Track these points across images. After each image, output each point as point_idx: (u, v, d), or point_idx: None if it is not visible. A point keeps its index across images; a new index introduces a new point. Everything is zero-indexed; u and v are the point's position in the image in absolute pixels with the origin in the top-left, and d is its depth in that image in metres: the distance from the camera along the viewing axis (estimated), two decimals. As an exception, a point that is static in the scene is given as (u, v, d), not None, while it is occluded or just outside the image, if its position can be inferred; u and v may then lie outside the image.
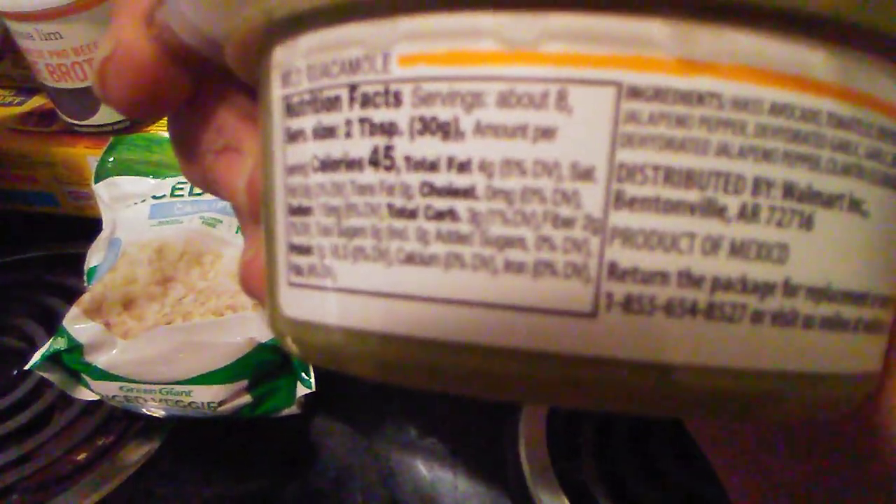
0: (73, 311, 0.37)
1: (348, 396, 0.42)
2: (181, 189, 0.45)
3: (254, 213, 0.14)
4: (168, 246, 0.41)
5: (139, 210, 0.44)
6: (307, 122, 0.11)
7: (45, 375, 0.37)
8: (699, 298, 0.09)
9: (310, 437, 0.41)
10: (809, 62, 0.09)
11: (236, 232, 0.43)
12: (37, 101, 0.56)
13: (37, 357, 0.36)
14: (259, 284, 0.14)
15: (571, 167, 0.09)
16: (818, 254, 0.10)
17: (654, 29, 0.09)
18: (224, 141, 0.14)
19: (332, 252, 0.11)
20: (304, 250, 0.11)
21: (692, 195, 0.09)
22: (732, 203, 0.09)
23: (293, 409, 0.38)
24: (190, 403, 0.36)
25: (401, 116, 0.10)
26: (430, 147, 0.10)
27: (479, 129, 0.10)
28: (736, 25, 0.09)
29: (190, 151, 0.15)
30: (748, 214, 0.09)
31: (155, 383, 0.36)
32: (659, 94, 0.09)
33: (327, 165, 0.11)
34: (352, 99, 0.10)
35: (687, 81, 0.09)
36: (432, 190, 0.10)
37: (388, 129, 0.10)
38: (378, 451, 0.40)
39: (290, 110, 0.11)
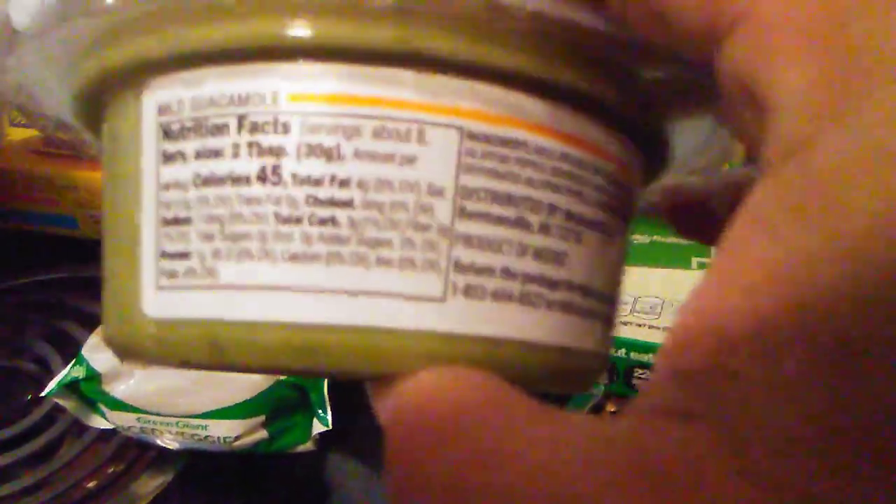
0: (93, 339, 0.37)
1: (364, 435, 0.42)
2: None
3: None
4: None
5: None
6: (189, 145, 0.13)
7: (61, 402, 0.37)
8: (514, 288, 0.13)
9: (324, 475, 0.40)
10: (523, 107, 0.13)
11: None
12: (61, 124, 0.56)
13: (53, 384, 0.36)
14: None
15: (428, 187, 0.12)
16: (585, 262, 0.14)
17: (403, 76, 0.12)
18: None
19: (213, 255, 0.12)
20: (181, 255, 0.13)
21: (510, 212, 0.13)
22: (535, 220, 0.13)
23: (308, 446, 0.38)
24: (206, 437, 0.36)
25: (289, 142, 0.12)
26: (315, 167, 0.12)
27: (358, 154, 0.12)
28: (467, 78, 0.12)
29: None
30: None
31: (172, 416, 0.36)
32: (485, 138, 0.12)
33: (210, 181, 0.12)
34: (240, 126, 0.12)
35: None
36: (317, 201, 0.12)
37: (277, 152, 0.12)
38: (392, 491, 0.39)
39: (168, 135, 0.13)
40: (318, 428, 0.37)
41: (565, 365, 0.14)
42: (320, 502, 0.39)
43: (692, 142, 0.17)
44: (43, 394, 0.36)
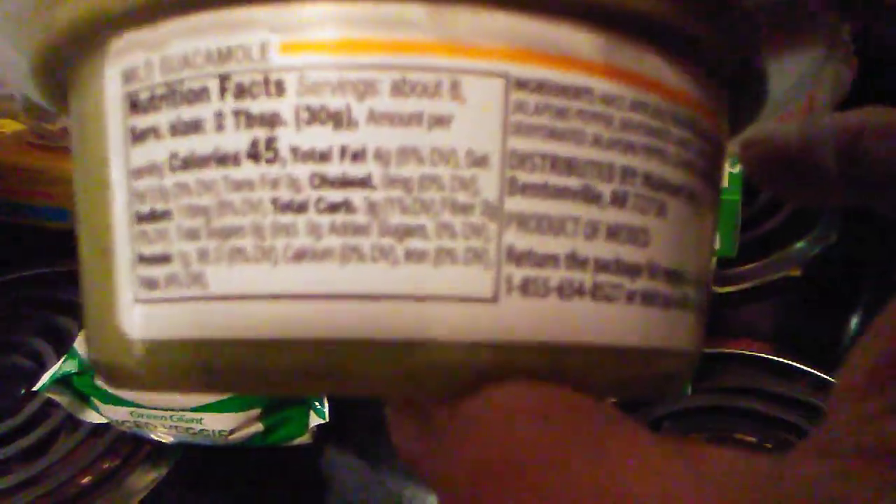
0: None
1: (361, 427, 0.41)
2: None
3: None
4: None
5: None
6: (161, 117, 0.10)
7: (54, 397, 0.36)
8: (585, 280, 0.10)
9: (321, 468, 0.40)
10: (584, 43, 0.10)
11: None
12: (54, 116, 0.56)
13: (46, 378, 0.36)
14: None
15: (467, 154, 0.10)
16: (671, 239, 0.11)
17: (413, 12, 0.09)
18: None
19: (199, 257, 0.10)
20: (161, 259, 0.10)
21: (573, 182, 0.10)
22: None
23: (305, 439, 0.37)
24: (200, 431, 0.36)
25: (285, 106, 0.10)
26: (319, 137, 0.09)
27: (374, 117, 0.09)
28: (489, 6, 0.10)
29: None
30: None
31: (165, 409, 0.35)
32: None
33: (191, 163, 0.10)
34: (223, 90, 0.10)
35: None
36: (324, 181, 0.09)
37: (270, 120, 0.10)
38: (389, 483, 0.39)
39: (137, 107, 0.10)
40: (314, 420, 0.37)
41: (650, 370, 0.11)
42: (317, 495, 0.38)
43: (787, 80, 0.14)
44: (35, 388, 0.36)
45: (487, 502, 0.09)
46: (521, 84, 0.10)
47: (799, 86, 0.14)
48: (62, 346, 0.43)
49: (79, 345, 0.36)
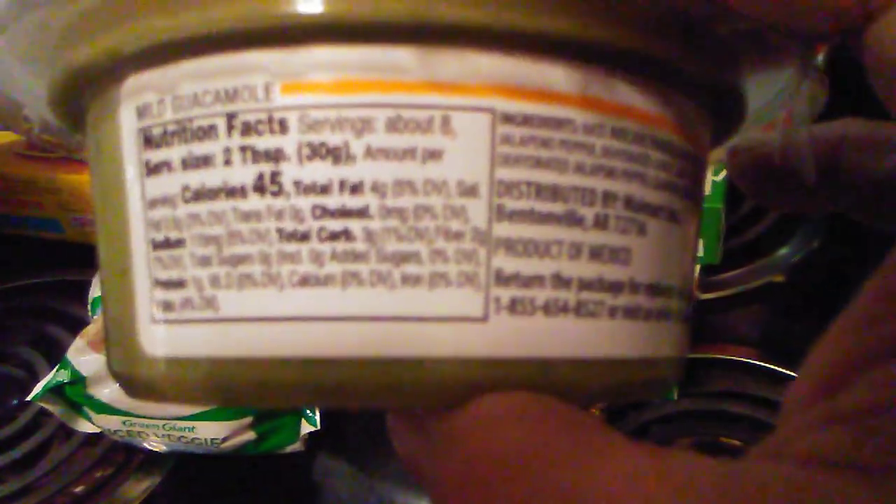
0: (78, 342, 0.36)
1: (353, 434, 0.42)
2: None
3: None
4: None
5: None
6: (174, 153, 0.11)
7: (47, 407, 0.37)
8: (569, 298, 0.11)
9: (313, 475, 0.40)
10: (567, 77, 0.11)
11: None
12: (44, 127, 0.56)
13: (38, 388, 0.36)
14: None
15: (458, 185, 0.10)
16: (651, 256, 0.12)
17: (402, 56, 0.10)
18: None
19: (211, 282, 0.11)
20: (176, 284, 0.11)
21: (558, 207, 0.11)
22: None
23: (297, 447, 0.37)
24: (193, 439, 0.36)
25: (287, 143, 0.10)
26: (320, 171, 0.10)
27: (370, 153, 0.10)
28: (473, 48, 0.10)
29: None
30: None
31: (158, 418, 0.35)
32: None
33: (202, 195, 0.11)
34: (230, 127, 0.11)
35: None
36: (325, 212, 0.10)
37: (274, 156, 0.10)
38: (381, 490, 0.39)
39: (150, 142, 0.11)
40: (306, 428, 0.37)
41: (635, 379, 0.12)
42: (309, 502, 0.39)
43: (767, 93, 0.14)
44: (28, 398, 0.36)
45: None
46: (508, 118, 0.10)
47: (778, 99, 0.15)
48: (54, 356, 0.43)
49: (71, 354, 0.36)
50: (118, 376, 0.13)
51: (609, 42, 0.10)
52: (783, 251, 0.43)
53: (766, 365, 0.41)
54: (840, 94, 0.16)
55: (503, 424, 0.10)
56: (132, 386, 0.13)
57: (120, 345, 0.12)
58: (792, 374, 0.40)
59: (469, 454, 0.10)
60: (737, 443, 0.38)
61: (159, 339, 0.11)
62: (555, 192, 0.11)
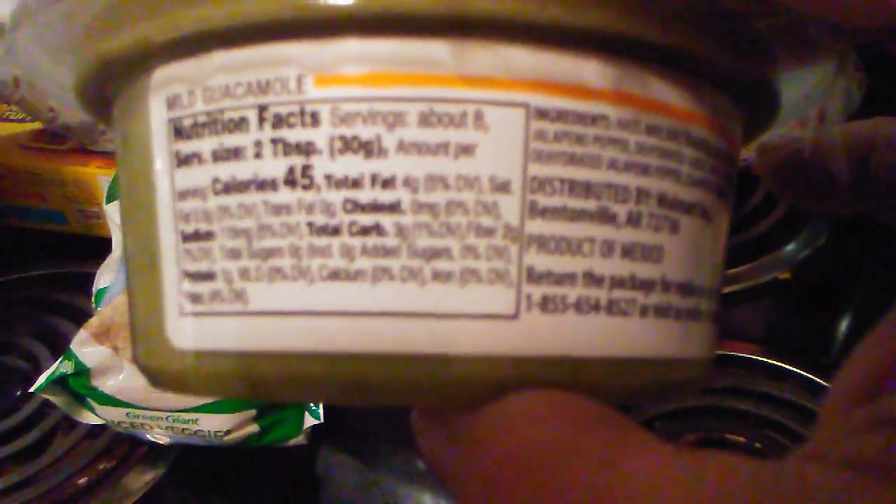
0: (82, 334, 0.36)
1: (356, 428, 0.42)
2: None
3: None
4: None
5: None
6: (204, 144, 0.11)
7: (50, 398, 0.37)
8: (601, 296, 0.11)
9: (316, 469, 0.40)
10: (601, 71, 0.10)
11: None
12: (49, 119, 0.56)
13: (42, 380, 0.36)
14: None
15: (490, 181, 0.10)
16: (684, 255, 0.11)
17: (436, 49, 0.10)
18: None
19: (241, 275, 0.11)
20: (205, 276, 0.11)
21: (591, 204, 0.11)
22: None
23: (300, 440, 0.37)
24: (196, 432, 0.36)
25: (319, 136, 0.10)
26: (352, 165, 0.10)
27: (403, 147, 0.10)
28: (507, 42, 0.10)
29: None
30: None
31: (162, 410, 0.35)
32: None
33: (232, 187, 0.11)
34: (262, 120, 0.10)
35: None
36: (356, 206, 0.10)
37: (306, 149, 0.10)
38: (385, 483, 0.39)
39: (180, 133, 0.11)
40: (309, 421, 0.37)
41: (664, 379, 0.12)
42: (312, 496, 0.39)
43: (799, 89, 0.14)
44: (32, 389, 0.36)
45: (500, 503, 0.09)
46: (542, 113, 0.10)
47: (812, 95, 0.14)
48: (58, 347, 0.43)
49: (75, 346, 0.36)
50: (145, 369, 0.13)
51: (643, 37, 0.10)
52: (789, 247, 0.43)
53: (772, 361, 0.41)
54: (872, 92, 0.15)
55: (534, 423, 0.10)
56: (159, 379, 0.12)
57: (147, 337, 0.12)
58: (797, 370, 0.40)
59: (498, 453, 0.10)
60: (742, 439, 0.38)
61: (187, 331, 0.11)
62: (588, 189, 0.10)
